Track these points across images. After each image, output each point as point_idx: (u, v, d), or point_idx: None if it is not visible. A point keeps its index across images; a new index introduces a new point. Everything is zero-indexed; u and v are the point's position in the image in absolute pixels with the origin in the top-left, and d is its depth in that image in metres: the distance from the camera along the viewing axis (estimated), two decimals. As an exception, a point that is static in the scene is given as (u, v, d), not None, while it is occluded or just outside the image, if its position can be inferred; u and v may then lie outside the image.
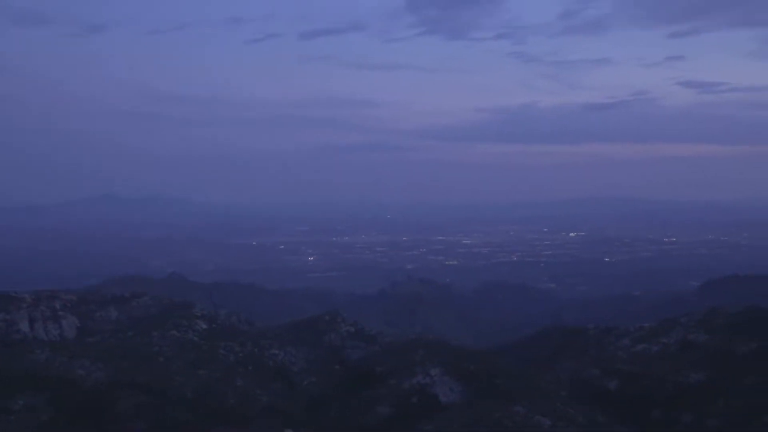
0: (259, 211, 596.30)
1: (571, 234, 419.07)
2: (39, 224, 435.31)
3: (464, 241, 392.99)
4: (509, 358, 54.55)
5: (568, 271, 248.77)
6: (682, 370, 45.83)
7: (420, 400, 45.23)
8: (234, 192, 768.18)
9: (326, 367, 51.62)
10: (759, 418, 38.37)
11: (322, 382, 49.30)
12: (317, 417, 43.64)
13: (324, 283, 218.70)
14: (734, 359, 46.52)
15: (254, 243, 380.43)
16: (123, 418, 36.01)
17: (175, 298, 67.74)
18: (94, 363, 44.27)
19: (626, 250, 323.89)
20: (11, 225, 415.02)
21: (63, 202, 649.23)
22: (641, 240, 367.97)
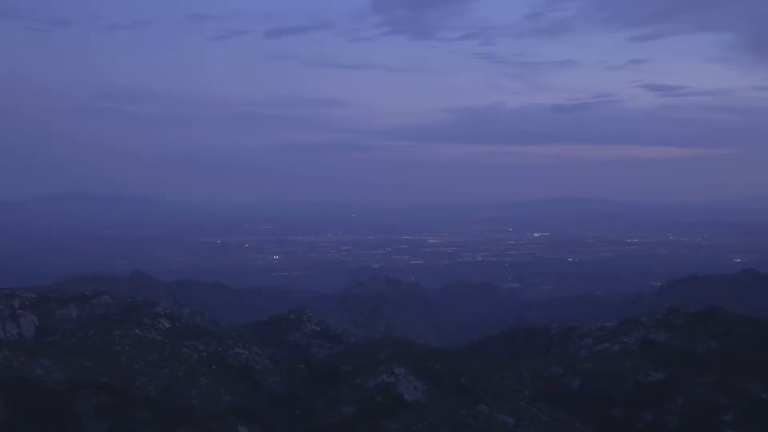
0: (224, 210, 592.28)
1: (536, 234, 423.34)
2: (1, 221, 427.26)
3: (430, 241, 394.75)
4: (473, 357, 54.81)
5: (532, 270, 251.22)
6: (643, 368, 46.47)
7: (385, 399, 45.22)
8: (199, 190, 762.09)
9: (291, 366, 51.33)
10: (716, 416, 39.21)
11: (287, 381, 49.03)
12: (281, 416, 43.46)
13: (289, 282, 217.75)
14: (693, 358, 47.40)
15: (219, 241, 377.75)
16: (83, 419, 35.47)
17: (137, 297, 66.94)
18: (54, 362, 43.43)
19: (589, 251, 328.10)
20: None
21: (28, 198, 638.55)
22: (604, 240, 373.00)
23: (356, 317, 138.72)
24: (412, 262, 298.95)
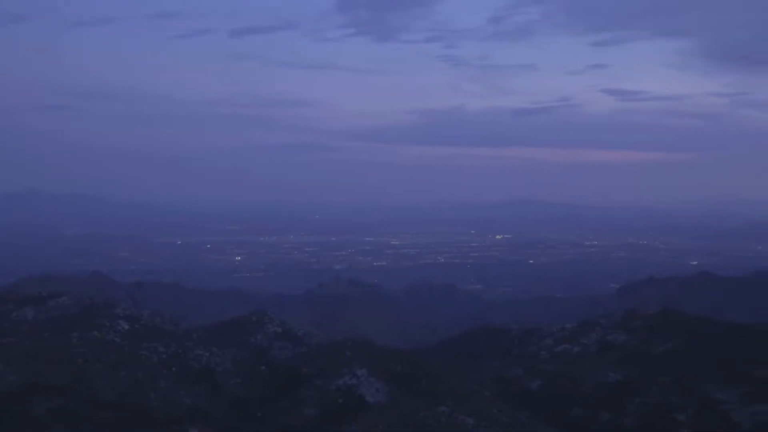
0: (186, 210, 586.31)
1: (498, 236, 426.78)
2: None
3: (392, 242, 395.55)
4: (435, 359, 55.06)
5: (493, 272, 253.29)
6: (601, 369, 47.26)
7: (346, 401, 45.23)
8: (160, 189, 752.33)
9: (252, 368, 51.03)
10: (672, 416, 40.00)
11: (248, 383, 48.73)
12: (242, 419, 43.20)
13: (251, 283, 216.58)
14: (650, 359, 48.39)
15: (179, 242, 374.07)
16: (38, 423, 34.82)
17: (96, 298, 65.93)
18: (9, 365, 42.58)
19: (550, 253, 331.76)
20: None
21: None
22: (564, 243, 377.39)
23: (318, 319, 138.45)
24: (374, 263, 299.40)
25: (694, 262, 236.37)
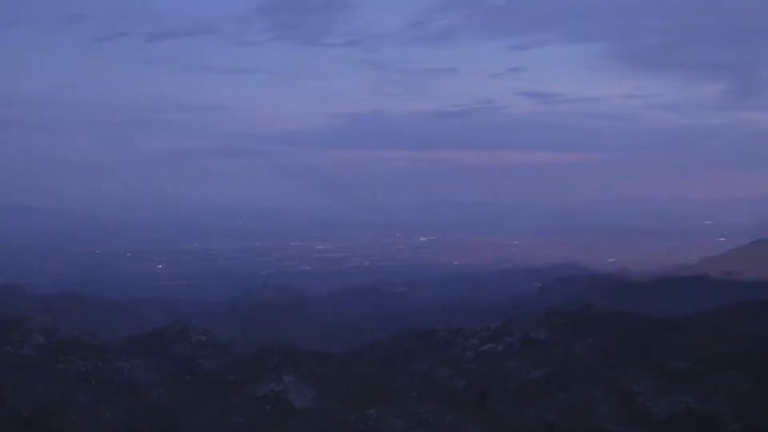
0: (103, 218, 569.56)
1: (422, 238, 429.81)
2: None
3: (318, 247, 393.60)
4: (362, 362, 55.22)
5: (419, 274, 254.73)
6: (525, 366, 48.38)
7: (274, 407, 44.95)
8: (75, 198, 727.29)
9: (176, 378, 50.08)
10: (594, 410, 41.26)
11: (173, 394, 47.70)
12: (167, 430, 42.29)
13: (174, 291, 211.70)
14: (572, 355, 49.77)
15: (98, 251, 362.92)
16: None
17: (8, 312, 63.46)
18: None
19: (474, 254, 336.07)
20: None
21: None
22: (487, 243, 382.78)
23: (245, 325, 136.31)
24: (300, 268, 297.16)
25: (612, 260, 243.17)
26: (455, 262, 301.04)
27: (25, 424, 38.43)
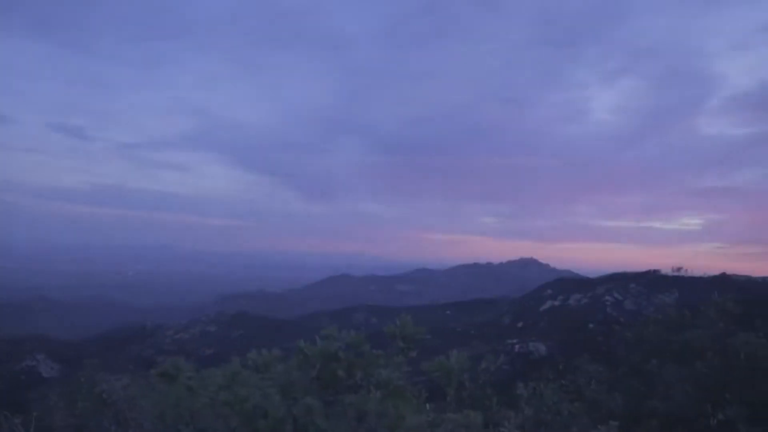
0: None
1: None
2: None
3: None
4: (95, 346, 58.54)
5: (137, 286, 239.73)
6: (202, 348, 57.27)
7: (27, 377, 47.93)
8: None
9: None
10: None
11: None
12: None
13: None
14: (229, 340, 59.66)
15: None
16: None
17: None
18: None
19: (168, 274, 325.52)
20: None
21: None
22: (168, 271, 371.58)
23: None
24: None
25: (257, 284, 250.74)
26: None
27: None
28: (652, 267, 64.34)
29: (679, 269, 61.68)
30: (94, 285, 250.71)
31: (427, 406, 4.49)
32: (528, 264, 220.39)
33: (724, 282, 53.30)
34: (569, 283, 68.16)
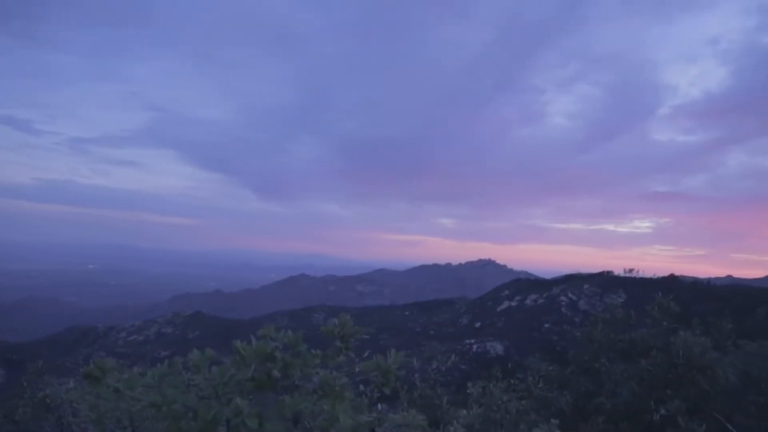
0: None
1: (90, 266, 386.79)
2: None
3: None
4: (43, 349, 56.61)
5: (86, 288, 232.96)
6: (157, 349, 56.03)
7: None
8: None
9: None
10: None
11: None
12: None
13: None
14: (187, 341, 58.60)
15: None
16: None
17: None
18: None
19: (126, 276, 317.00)
20: None
21: None
22: (134, 270, 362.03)
23: None
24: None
25: (212, 283, 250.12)
26: (112, 283, 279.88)
27: None
28: (605, 268, 66.34)
29: (630, 270, 63.83)
30: (42, 285, 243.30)
31: (379, 406, 4.49)
32: (486, 265, 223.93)
33: (672, 283, 55.41)
34: (526, 283, 69.54)
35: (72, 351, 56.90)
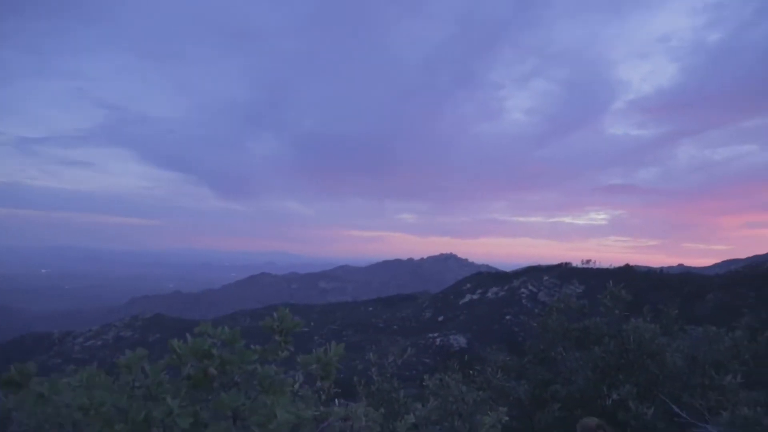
0: None
1: (43, 270, 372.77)
2: None
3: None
4: (14, 346, 54.51)
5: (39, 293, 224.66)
6: (116, 354, 54.47)
7: None
8: None
9: None
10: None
11: None
12: None
13: None
14: (147, 346, 57.23)
15: None
16: None
17: None
18: None
19: (80, 278, 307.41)
20: None
21: None
22: (93, 273, 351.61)
23: None
24: None
25: (171, 284, 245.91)
26: (66, 287, 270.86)
27: None
28: (563, 260, 68.02)
29: (587, 262, 65.60)
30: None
31: (336, 401, 4.45)
32: (447, 259, 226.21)
33: (627, 273, 57.18)
34: (487, 277, 70.59)
35: (26, 360, 54.51)
